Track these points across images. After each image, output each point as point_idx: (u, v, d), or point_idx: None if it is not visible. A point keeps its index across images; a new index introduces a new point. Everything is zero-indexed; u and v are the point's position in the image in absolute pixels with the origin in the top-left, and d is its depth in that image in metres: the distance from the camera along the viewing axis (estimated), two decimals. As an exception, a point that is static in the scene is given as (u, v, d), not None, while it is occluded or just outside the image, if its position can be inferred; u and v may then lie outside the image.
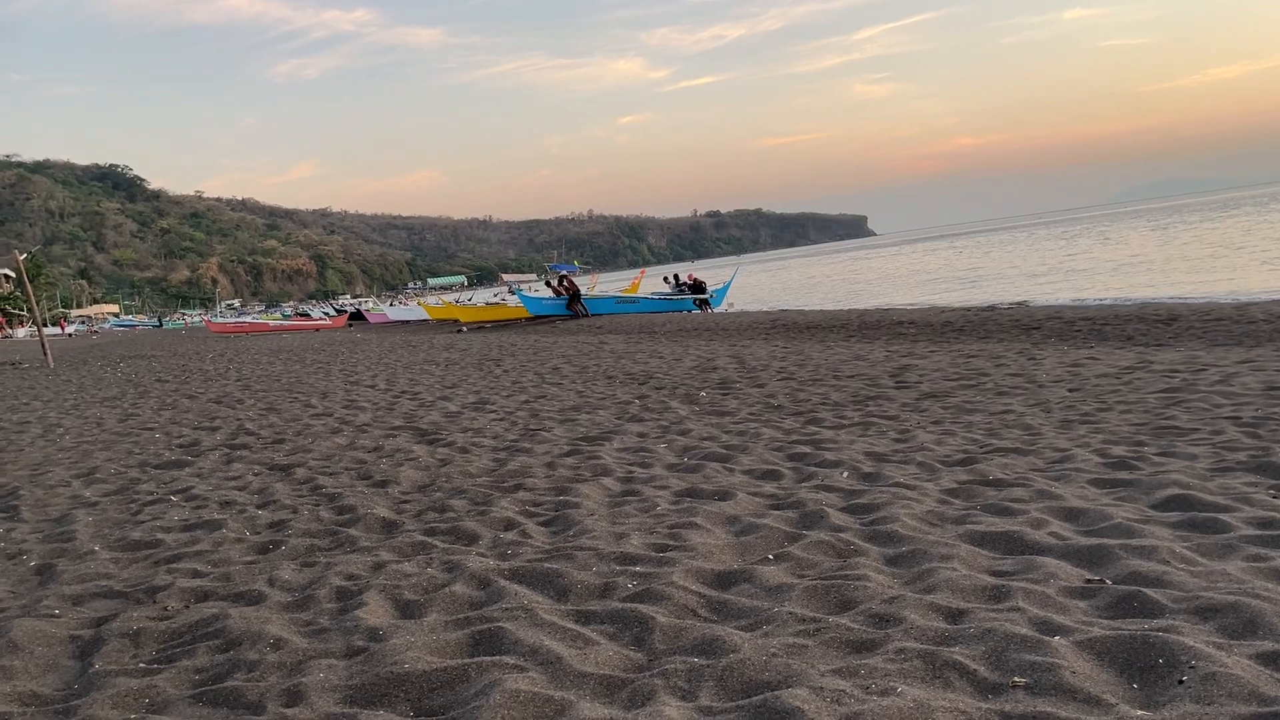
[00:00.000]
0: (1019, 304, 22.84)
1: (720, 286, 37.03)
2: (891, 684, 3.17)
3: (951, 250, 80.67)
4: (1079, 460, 6.11)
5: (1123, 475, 5.62)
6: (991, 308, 21.44)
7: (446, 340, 27.63)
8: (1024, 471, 5.92)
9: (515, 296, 36.95)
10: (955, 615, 3.73)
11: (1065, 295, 26.00)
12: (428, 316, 44.74)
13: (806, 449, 7.03)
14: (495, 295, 39.58)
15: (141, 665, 3.93)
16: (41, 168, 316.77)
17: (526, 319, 34.01)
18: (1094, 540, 4.47)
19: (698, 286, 35.36)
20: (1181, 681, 3.09)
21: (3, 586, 5.21)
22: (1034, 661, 3.25)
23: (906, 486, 5.72)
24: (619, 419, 9.28)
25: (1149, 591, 3.76)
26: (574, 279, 36.94)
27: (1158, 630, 3.40)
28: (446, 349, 23.21)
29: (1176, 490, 5.15)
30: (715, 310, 33.43)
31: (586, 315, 32.28)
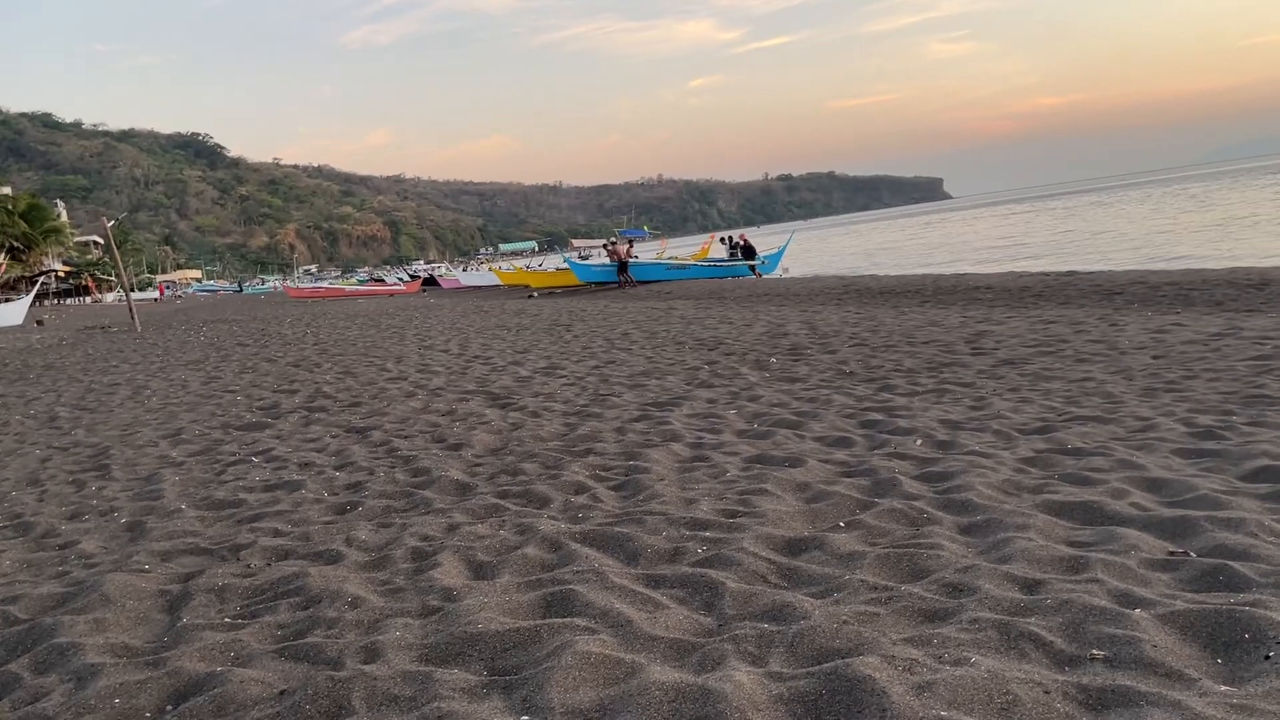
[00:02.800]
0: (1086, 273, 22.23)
1: (774, 252, 36.87)
2: (965, 654, 3.13)
3: (1031, 214, 78.66)
4: (1163, 429, 5.94)
5: (1209, 445, 5.46)
6: (1072, 273, 20.90)
7: (517, 305, 27.86)
8: (1104, 440, 5.79)
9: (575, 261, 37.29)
10: (1031, 586, 3.67)
11: (1149, 259, 25.22)
12: (499, 282, 45.21)
13: (879, 416, 6.97)
14: (565, 261, 39.89)
15: (226, 620, 4.06)
16: (127, 136, 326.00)
17: (596, 285, 34.33)
18: (1178, 512, 4.35)
19: (747, 250, 35.14)
20: (1268, 657, 3.01)
21: (96, 542, 5.43)
22: (1113, 634, 3.18)
23: (982, 455, 5.63)
24: (688, 385, 9.30)
25: (1235, 565, 3.65)
26: (633, 247, 36.99)
27: (1244, 604, 3.30)
28: (517, 314, 23.42)
29: (1266, 461, 4.98)
30: (766, 276, 33.27)
31: (633, 285, 32.32)
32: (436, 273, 67.73)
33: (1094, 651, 3.12)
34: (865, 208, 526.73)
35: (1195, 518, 4.23)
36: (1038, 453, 5.62)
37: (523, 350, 13.97)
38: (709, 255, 42.23)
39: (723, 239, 36.92)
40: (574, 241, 59.42)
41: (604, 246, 36.52)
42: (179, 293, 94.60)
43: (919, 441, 6.09)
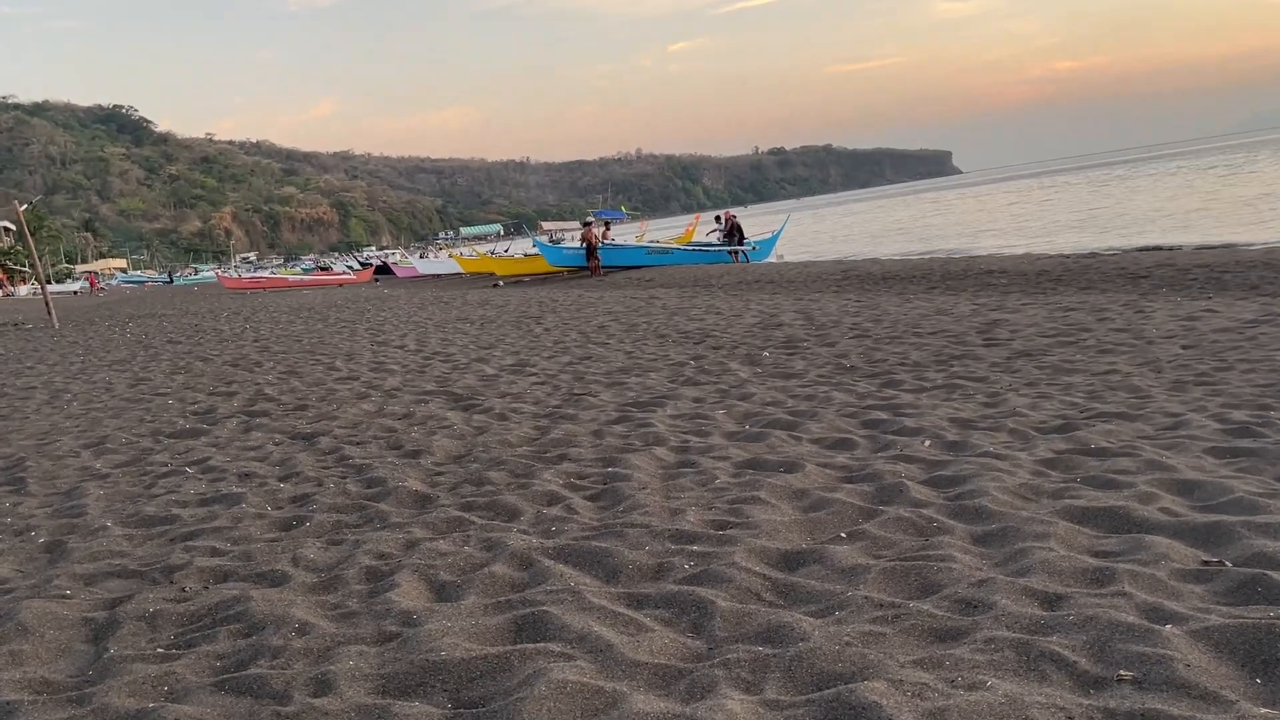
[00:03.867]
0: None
1: (768, 236, 37.04)
2: (980, 677, 3.15)
3: (1048, 190, 79.20)
4: (1194, 426, 6.00)
5: (1245, 443, 5.51)
6: (1093, 255, 21.05)
7: (481, 295, 27.82)
8: (1131, 439, 5.84)
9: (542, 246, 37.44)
10: (1052, 601, 3.70)
11: (1177, 238, 25.44)
12: (460, 270, 45.28)
13: (883, 415, 7.01)
14: (534, 246, 40.02)
15: (159, 650, 4.02)
16: (40, 110, 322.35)
17: (569, 271, 34.37)
18: (1212, 517, 4.39)
19: (731, 230, 35.21)
20: (1312, 676, 3.04)
21: (10, 565, 5.36)
22: (1142, 653, 3.20)
23: (997, 456, 5.67)
24: (672, 382, 9.36)
25: (1275, 575, 3.68)
26: (610, 229, 37.04)
27: (1285, 619, 3.35)
28: (481, 305, 23.38)
29: (1308, 460, 5.04)
30: (756, 262, 33.33)
31: (599, 273, 32.33)
32: (390, 260, 67.60)
33: (1121, 672, 3.13)
34: (866, 184, 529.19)
35: (1231, 523, 4.26)
36: (1058, 454, 5.66)
37: (488, 345, 13.99)
38: (693, 239, 42.38)
39: (717, 217, 36.96)
40: (543, 224, 59.39)
41: (583, 226, 36.54)
42: (102, 285, 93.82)
43: (927, 443, 6.12)
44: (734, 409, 7.74)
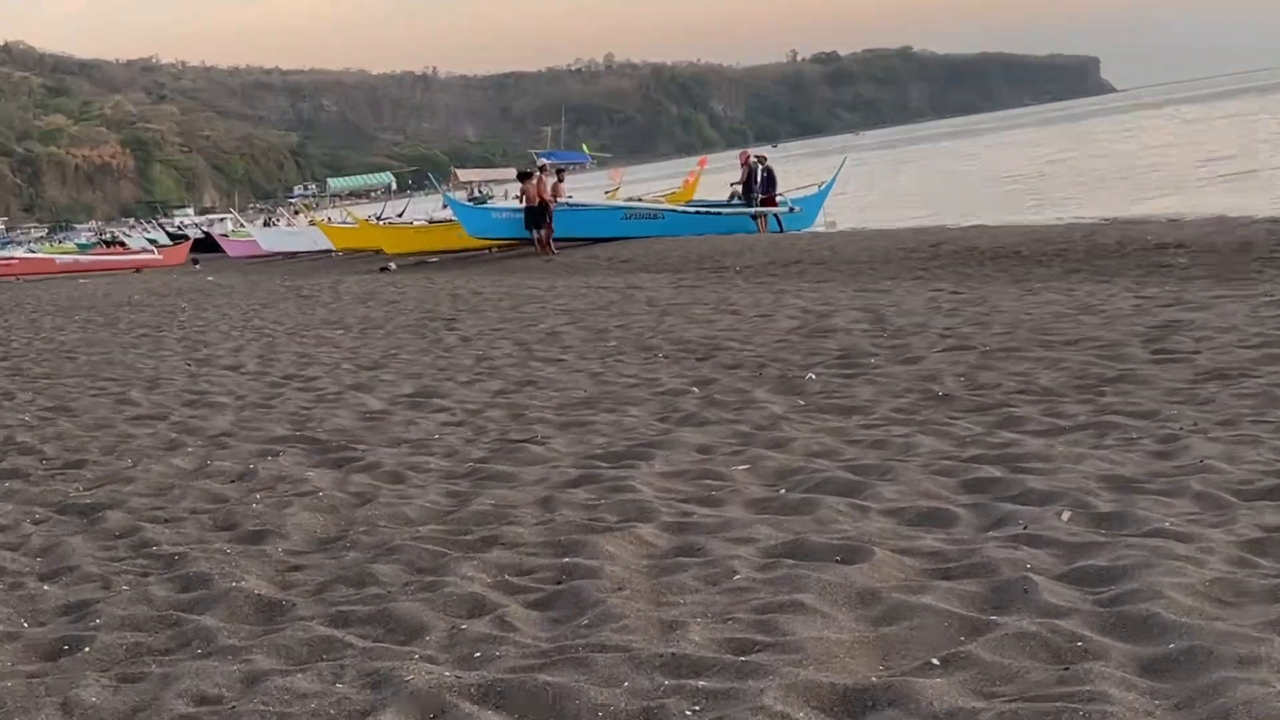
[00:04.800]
0: None
1: (813, 192, 37.31)
2: None
3: (1247, 117, 79.64)
4: None
5: None
6: (1322, 217, 21.19)
7: (364, 285, 27.83)
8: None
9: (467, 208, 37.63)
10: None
11: None
12: (329, 245, 45.76)
13: (996, 471, 7.04)
14: (446, 207, 40.17)
15: None
16: None
17: (500, 246, 34.41)
18: None
19: (752, 181, 35.35)
20: None
21: None
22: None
23: (1176, 536, 5.68)
24: (664, 421, 9.46)
25: None
26: (563, 180, 37.07)
27: None
28: (363, 301, 23.38)
29: None
30: (795, 231, 33.44)
31: (549, 249, 32.60)
32: (218, 231, 67.42)
33: None
34: (967, 111, 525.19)
35: None
36: (1271, 531, 5.70)
37: (372, 365, 14.12)
38: (695, 195, 42.47)
39: (759, 158, 37.07)
40: (459, 172, 59.49)
41: (522, 179, 36.63)
42: None
43: (1066, 515, 6.14)
44: (761, 463, 7.77)
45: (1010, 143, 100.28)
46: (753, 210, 34.53)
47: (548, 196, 33.49)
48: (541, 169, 35.89)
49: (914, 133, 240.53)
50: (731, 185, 37.84)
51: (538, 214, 33.10)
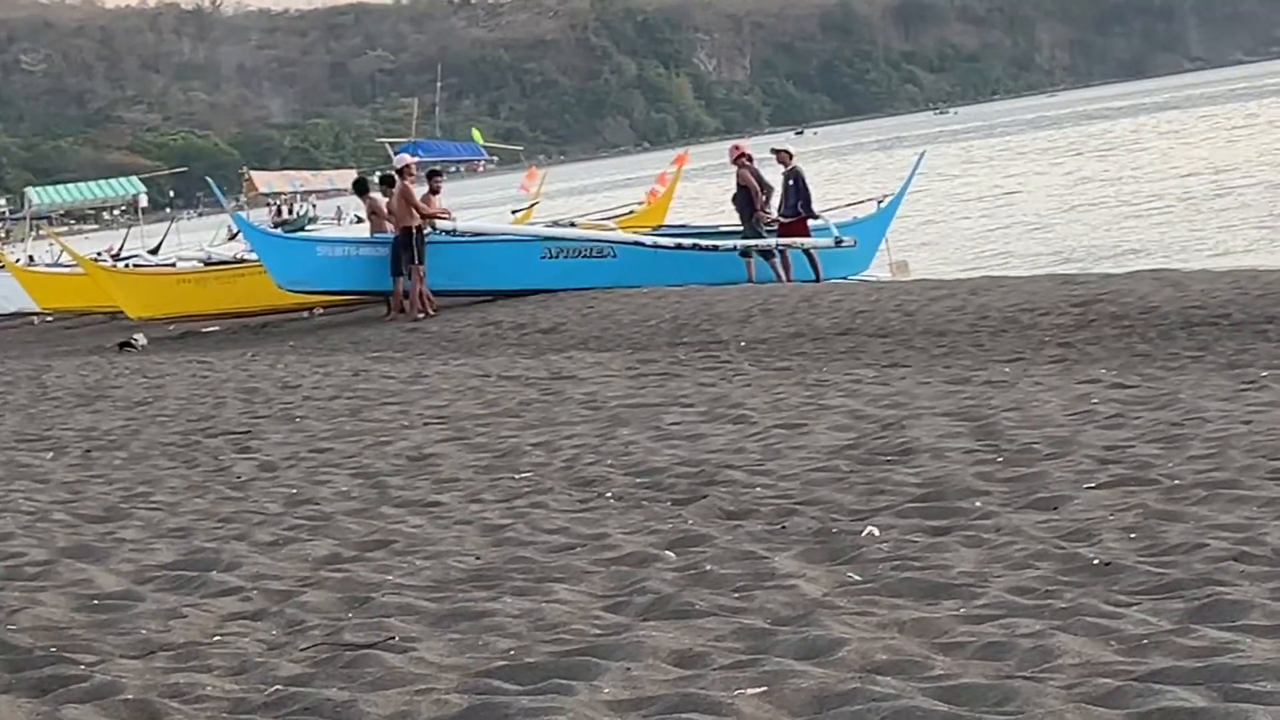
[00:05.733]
0: None
1: (870, 214, 38.21)
2: None
3: None
4: None
5: None
6: None
7: (91, 373, 27.76)
8: None
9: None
10: None
11: None
12: (29, 304, 47.01)
13: (1196, 698, 6.81)
14: (237, 229, 40.28)
15: None
16: None
17: (321, 308, 34.65)
18: None
19: (754, 194, 35.76)
20: None
21: None
22: None
23: None
24: (616, 609, 9.26)
25: None
26: (437, 190, 37.20)
27: None
28: (89, 400, 23.36)
29: None
30: (841, 279, 33.79)
31: (419, 307, 32.81)
32: None
33: None
34: (1136, 70, 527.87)
35: None
36: None
37: (105, 514, 14.09)
38: (666, 217, 42.78)
39: (781, 155, 37.42)
40: (257, 176, 59.78)
41: (367, 190, 36.78)
42: None
43: None
44: (786, 684, 7.47)
45: (1211, 125, 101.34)
46: (745, 245, 34.78)
47: (418, 217, 33.48)
48: (402, 172, 35.72)
49: (1044, 109, 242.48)
50: (785, 158, 37.89)
51: (405, 247, 33.26)
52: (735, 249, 34.86)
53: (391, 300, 33.21)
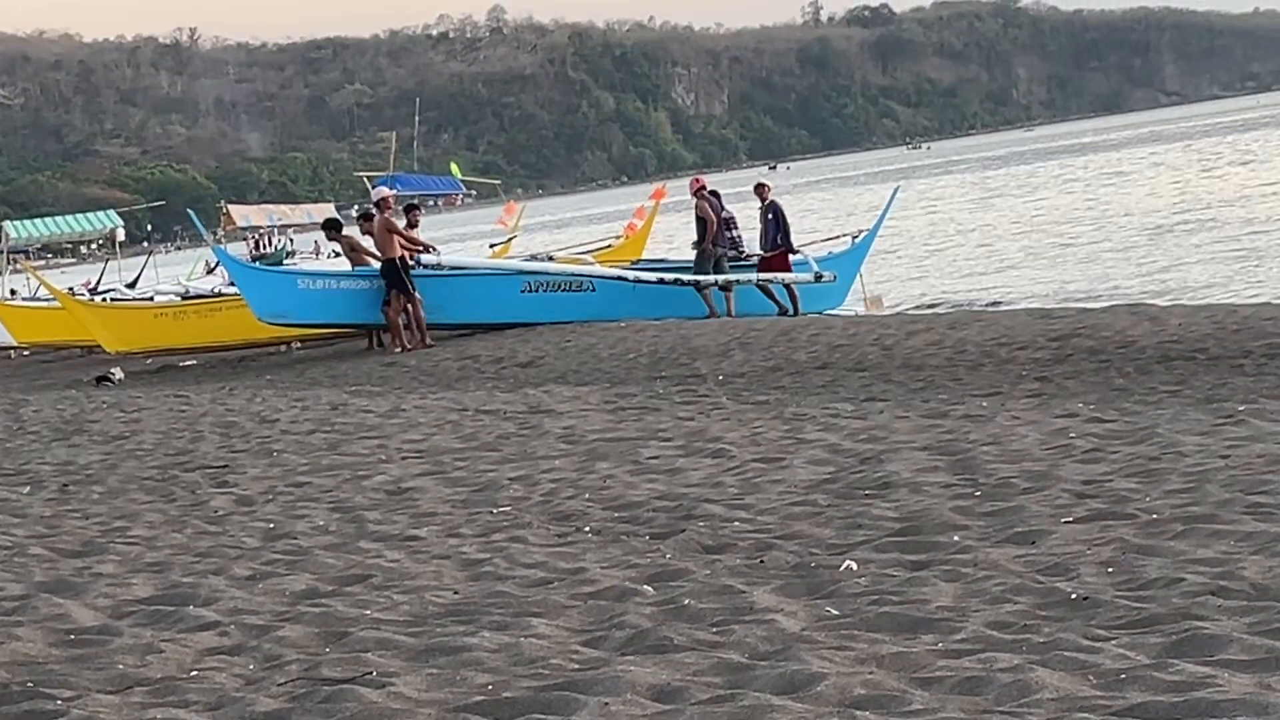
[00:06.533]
0: None
1: (845, 249, 38.35)
2: None
3: None
4: None
5: None
6: None
7: (68, 407, 27.76)
8: None
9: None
10: None
11: None
12: (10, 340, 47.19)
13: None
14: (219, 262, 40.18)
15: None
16: None
17: (300, 342, 34.62)
18: None
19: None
20: None
21: None
22: None
23: None
24: (594, 644, 9.23)
25: None
26: (417, 223, 37.26)
27: None
28: (66, 435, 23.34)
29: None
30: (816, 313, 33.92)
31: (407, 338, 32.89)
32: None
33: None
34: (1113, 105, 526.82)
35: None
36: None
37: (83, 549, 13.95)
38: (645, 251, 42.78)
39: (761, 190, 37.65)
40: (234, 210, 59.69)
41: (360, 217, 36.80)
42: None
43: None
44: None
45: (1188, 159, 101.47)
46: (726, 279, 34.84)
47: (399, 248, 33.48)
48: (379, 205, 35.65)
49: (1019, 144, 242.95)
50: (763, 190, 38.02)
51: (393, 274, 33.36)
52: (717, 284, 34.89)
53: (382, 334, 33.20)
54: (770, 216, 36.25)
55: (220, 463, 18.74)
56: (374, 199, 37.25)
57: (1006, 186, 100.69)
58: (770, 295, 35.13)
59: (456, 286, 34.30)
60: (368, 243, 35.55)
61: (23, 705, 9.01)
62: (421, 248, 34.49)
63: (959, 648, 8.54)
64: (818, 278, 35.23)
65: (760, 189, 37.15)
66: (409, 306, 32.67)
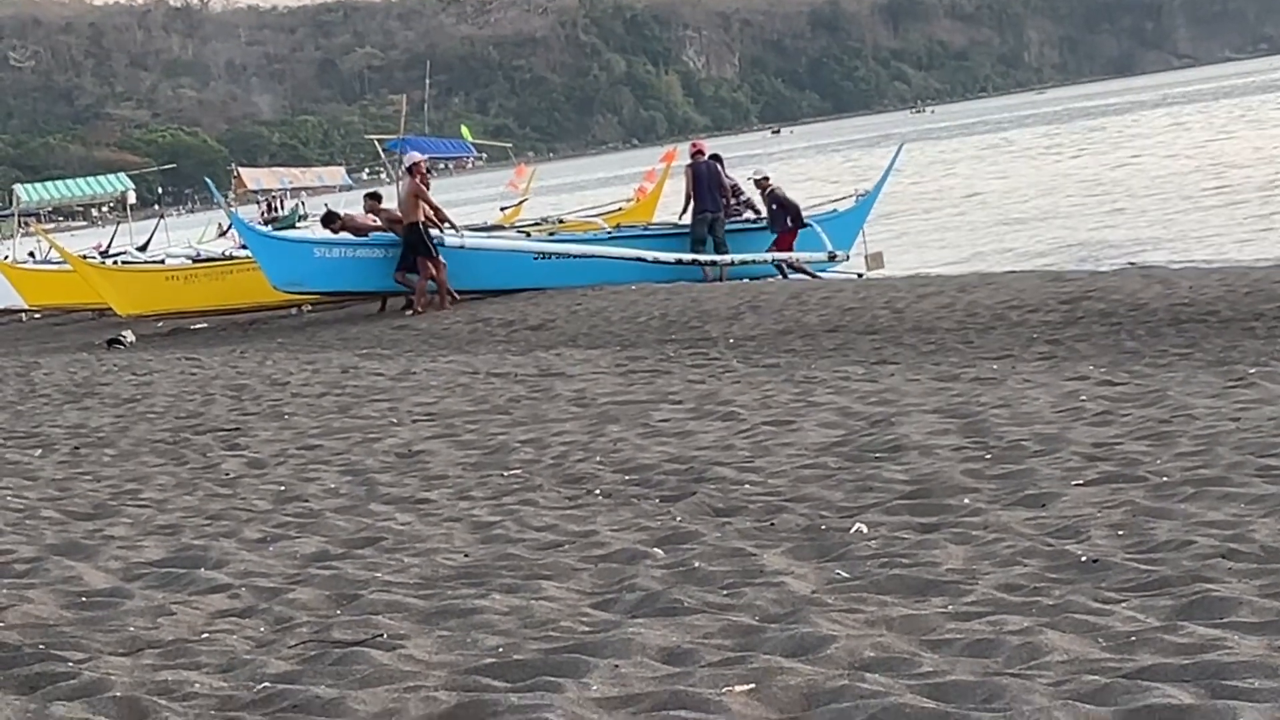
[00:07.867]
0: None
1: (846, 209, 38.22)
2: None
3: None
4: None
5: None
6: None
7: (79, 370, 27.73)
8: None
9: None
10: None
11: None
12: (18, 302, 47.28)
13: (1184, 695, 6.64)
14: (227, 231, 39.98)
15: None
16: None
17: (310, 305, 34.63)
18: None
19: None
20: None
21: None
22: None
23: None
24: (605, 606, 9.23)
25: None
26: (426, 186, 37.08)
27: None
28: (77, 398, 23.30)
29: None
30: (824, 275, 33.96)
31: (437, 301, 33.01)
32: None
33: None
34: (1125, 68, 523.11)
35: None
36: None
37: (93, 511, 13.95)
38: (655, 214, 42.68)
39: (759, 182, 37.64)
40: (246, 174, 59.49)
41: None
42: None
43: None
44: (775, 681, 7.37)
45: (1203, 121, 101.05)
46: (740, 259, 34.87)
47: (425, 211, 33.39)
48: (412, 170, 35.30)
49: (1030, 107, 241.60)
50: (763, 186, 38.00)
51: (413, 239, 33.37)
52: (732, 263, 34.90)
53: (412, 297, 33.13)
54: (775, 206, 36.18)
55: (231, 425, 18.73)
56: (406, 164, 36.88)
57: (1027, 148, 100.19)
58: (795, 269, 35.14)
59: (471, 253, 34.13)
60: (370, 220, 35.49)
61: (35, 667, 8.98)
62: (446, 223, 34.27)
63: (969, 610, 8.53)
64: (831, 257, 35.13)
65: (761, 184, 37.02)
66: (428, 275, 32.57)
